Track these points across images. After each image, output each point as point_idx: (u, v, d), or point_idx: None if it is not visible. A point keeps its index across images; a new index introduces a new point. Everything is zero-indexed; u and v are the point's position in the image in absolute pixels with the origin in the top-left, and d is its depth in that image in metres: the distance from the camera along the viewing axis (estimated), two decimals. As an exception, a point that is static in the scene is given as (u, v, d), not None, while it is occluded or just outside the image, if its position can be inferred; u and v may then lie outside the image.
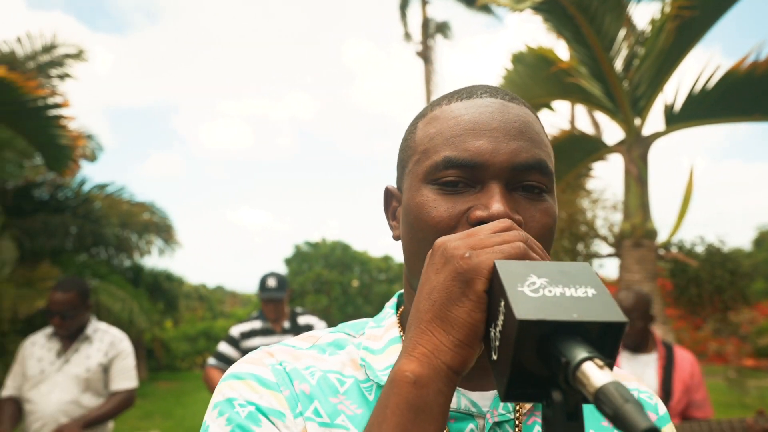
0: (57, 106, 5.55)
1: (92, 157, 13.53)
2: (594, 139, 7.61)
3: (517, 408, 0.68)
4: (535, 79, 6.73)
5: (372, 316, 0.82)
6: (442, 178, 0.66)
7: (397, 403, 0.52)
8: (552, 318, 0.45)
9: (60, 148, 5.92)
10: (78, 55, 11.69)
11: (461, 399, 0.68)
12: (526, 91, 6.69)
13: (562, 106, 13.03)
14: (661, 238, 6.99)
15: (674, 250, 7.82)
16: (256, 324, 3.83)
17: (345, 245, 21.87)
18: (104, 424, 3.16)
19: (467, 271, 0.52)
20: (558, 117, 25.51)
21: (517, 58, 6.82)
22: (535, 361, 0.47)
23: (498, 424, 0.66)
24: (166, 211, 14.11)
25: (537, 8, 6.11)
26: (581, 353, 0.42)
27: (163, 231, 14.09)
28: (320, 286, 20.48)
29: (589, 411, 0.68)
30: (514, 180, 0.66)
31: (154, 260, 21.24)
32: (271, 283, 3.78)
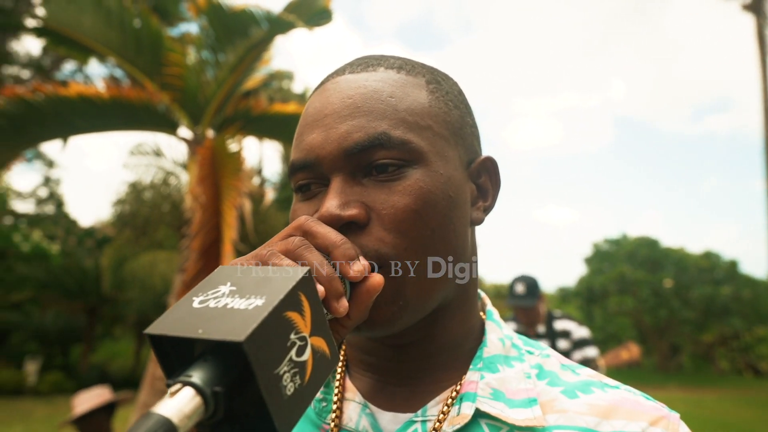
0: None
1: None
2: None
3: None
4: None
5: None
6: (296, 183, 0.62)
7: None
8: (161, 330, 0.41)
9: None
10: None
11: (362, 418, 0.62)
12: None
13: None
14: None
15: None
16: (510, 326, 3.87)
17: (652, 241, 19.65)
18: None
19: None
20: None
21: None
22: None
23: None
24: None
25: None
26: (185, 375, 0.38)
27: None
28: (625, 287, 18.88)
29: None
30: (359, 165, 0.58)
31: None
32: (519, 289, 3.71)
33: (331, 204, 0.56)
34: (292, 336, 0.43)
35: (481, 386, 0.60)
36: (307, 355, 0.44)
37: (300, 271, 0.46)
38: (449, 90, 0.65)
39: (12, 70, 18.38)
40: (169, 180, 12.52)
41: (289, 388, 0.42)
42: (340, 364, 0.68)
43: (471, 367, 0.62)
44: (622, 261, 19.48)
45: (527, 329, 3.67)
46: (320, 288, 0.48)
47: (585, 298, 20.23)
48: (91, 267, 14.98)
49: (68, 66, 18.01)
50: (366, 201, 0.57)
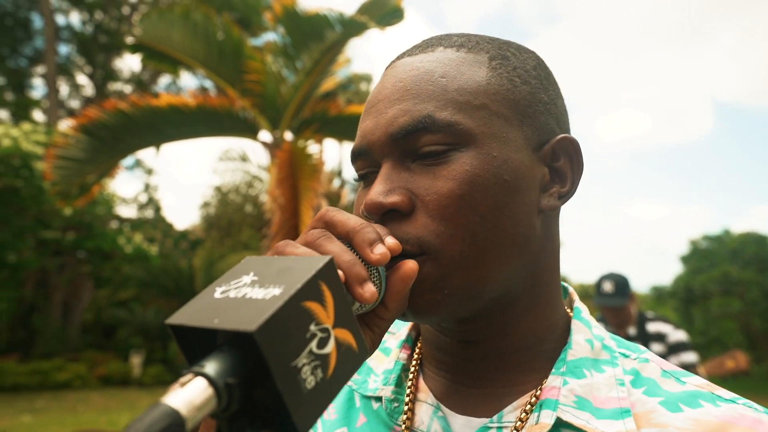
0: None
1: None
2: None
3: None
4: None
5: None
6: (357, 172, 0.61)
7: None
8: (180, 320, 0.41)
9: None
10: None
11: (434, 421, 0.59)
12: None
13: None
14: None
15: None
16: None
17: (760, 237, 18.02)
18: None
19: None
20: None
21: None
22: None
23: None
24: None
25: None
26: (199, 366, 0.37)
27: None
28: (729, 287, 17.43)
29: None
30: (406, 150, 0.55)
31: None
32: (607, 287, 3.50)
33: (375, 191, 0.54)
34: (312, 327, 0.41)
35: (563, 393, 0.55)
36: (330, 347, 0.42)
37: (321, 261, 0.43)
38: (519, 65, 0.59)
39: (116, 86, 20.02)
40: (253, 183, 13.09)
41: (309, 382, 0.40)
42: (414, 363, 0.65)
43: (553, 370, 0.57)
44: (724, 259, 18.02)
45: (616, 331, 3.45)
46: (342, 275, 0.45)
47: (682, 299, 18.95)
48: (185, 267, 15.98)
49: (164, 80, 19.35)
50: (411, 187, 0.54)
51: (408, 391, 0.62)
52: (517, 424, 0.54)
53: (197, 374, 0.36)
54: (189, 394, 0.35)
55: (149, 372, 13.83)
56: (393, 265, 0.51)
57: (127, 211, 18.24)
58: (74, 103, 19.76)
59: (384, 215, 0.54)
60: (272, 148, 5.68)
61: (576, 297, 0.65)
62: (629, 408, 0.53)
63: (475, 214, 0.53)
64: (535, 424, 0.54)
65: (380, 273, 0.50)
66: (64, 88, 19.58)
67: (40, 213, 12.54)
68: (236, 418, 0.40)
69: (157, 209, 19.72)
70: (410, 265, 0.50)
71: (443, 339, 0.61)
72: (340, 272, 0.46)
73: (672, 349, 3.24)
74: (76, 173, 5.18)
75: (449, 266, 0.53)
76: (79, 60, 19.66)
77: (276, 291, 0.40)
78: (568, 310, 0.64)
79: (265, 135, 5.82)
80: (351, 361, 0.44)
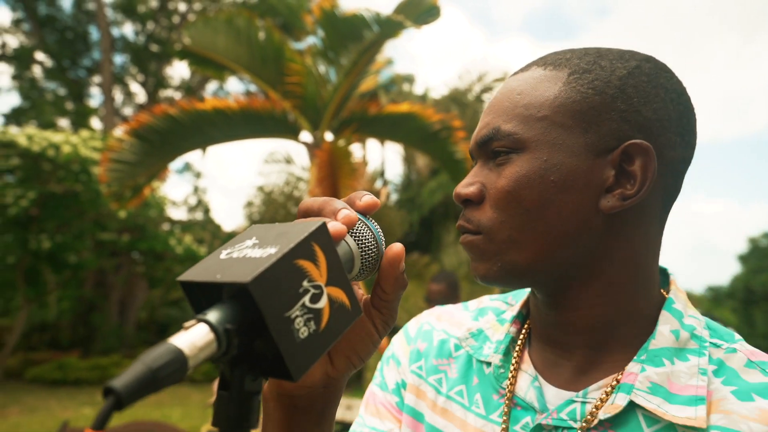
0: (451, 128, 6.53)
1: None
2: None
3: (587, 417, 0.62)
4: None
5: None
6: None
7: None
8: (189, 277, 0.45)
9: (457, 162, 6.87)
10: (502, 78, 13.58)
11: (530, 389, 0.68)
12: None
13: None
14: None
15: None
16: None
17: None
18: None
19: None
20: None
21: None
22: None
23: (556, 428, 0.64)
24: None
25: None
26: (202, 314, 0.41)
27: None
28: (793, 288, 16.50)
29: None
30: (487, 153, 0.68)
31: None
32: None
33: (461, 184, 0.68)
34: (305, 283, 0.45)
35: (639, 379, 0.61)
36: (322, 303, 0.46)
37: (314, 224, 0.47)
38: (600, 77, 0.64)
39: (167, 93, 20.78)
40: (297, 185, 13.33)
41: (303, 332, 0.44)
42: (522, 335, 0.74)
43: (635, 358, 0.63)
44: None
45: None
46: (336, 225, 0.50)
47: (742, 300, 18.07)
48: (234, 267, 16.37)
49: (211, 86, 19.95)
50: (485, 182, 0.67)
51: (513, 360, 0.72)
52: (598, 403, 0.62)
53: (200, 320, 0.40)
54: (192, 336, 0.39)
55: (199, 369, 14.28)
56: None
57: (177, 214, 18.89)
58: (128, 111, 20.64)
59: (463, 202, 0.68)
60: (312, 148, 5.80)
61: (674, 287, 0.69)
62: (705, 396, 0.58)
63: (521, 207, 0.63)
64: (611, 404, 0.61)
65: (378, 258, 0.55)
66: (118, 96, 20.44)
67: (98, 216, 13.11)
68: (237, 364, 0.44)
69: (206, 211, 20.34)
70: (395, 248, 0.56)
71: (540, 312, 0.70)
72: (336, 223, 0.50)
73: None
74: (127, 175, 5.44)
75: (501, 245, 0.64)
76: (132, 69, 20.50)
77: (272, 250, 0.44)
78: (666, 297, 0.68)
79: (305, 135, 5.94)
80: (344, 317, 0.48)
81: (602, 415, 0.61)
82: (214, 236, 16.06)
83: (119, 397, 0.34)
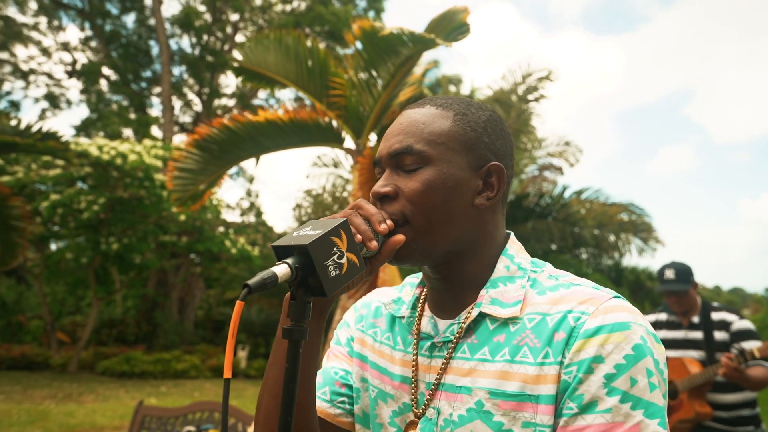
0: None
1: (572, 163, 14.91)
2: None
3: (456, 334, 0.92)
4: None
5: None
6: (376, 172, 1.00)
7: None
8: (277, 243, 0.78)
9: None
10: (547, 77, 13.48)
11: (428, 325, 0.98)
12: None
13: None
14: None
15: None
16: (661, 316, 3.70)
17: None
18: None
19: None
20: None
21: None
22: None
23: (443, 343, 0.93)
24: (646, 210, 13.88)
25: None
26: (284, 261, 0.75)
27: (642, 230, 14.03)
28: None
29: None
30: (397, 163, 0.93)
31: (637, 259, 20.93)
32: (669, 274, 3.57)
33: (378, 185, 0.93)
34: (335, 249, 0.79)
35: (485, 298, 0.90)
36: (344, 260, 0.80)
37: (340, 219, 0.82)
38: (473, 119, 0.94)
39: (221, 101, 21.73)
40: (345, 187, 13.77)
41: (332, 272, 0.78)
42: (423, 295, 1.03)
43: (484, 286, 0.93)
44: None
45: (680, 319, 3.51)
46: (358, 236, 0.84)
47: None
48: (285, 268, 16.92)
49: (262, 94, 20.73)
50: (398, 184, 0.92)
51: (417, 311, 1.01)
52: (463, 319, 0.92)
53: (283, 262, 0.75)
54: (280, 269, 0.73)
55: (253, 365, 14.80)
56: (389, 237, 0.89)
57: (231, 216, 19.66)
58: (185, 119, 21.70)
59: (380, 199, 0.92)
60: (355, 154, 6.22)
61: (511, 242, 0.98)
62: (521, 300, 0.88)
63: (430, 203, 0.89)
64: (470, 318, 0.90)
65: (379, 239, 0.88)
66: (176, 105, 21.48)
67: (160, 219, 13.85)
68: (299, 286, 0.77)
69: (258, 214, 21.10)
70: (398, 237, 0.88)
71: (431, 278, 0.98)
72: (358, 236, 0.84)
73: (735, 336, 3.25)
74: (190, 182, 6.02)
75: (417, 233, 0.90)
76: (189, 79, 21.52)
77: (319, 232, 0.78)
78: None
79: (349, 143, 6.37)
80: (354, 269, 0.82)
81: (465, 323, 0.90)
82: (266, 237, 16.71)
83: (250, 288, 0.68)
